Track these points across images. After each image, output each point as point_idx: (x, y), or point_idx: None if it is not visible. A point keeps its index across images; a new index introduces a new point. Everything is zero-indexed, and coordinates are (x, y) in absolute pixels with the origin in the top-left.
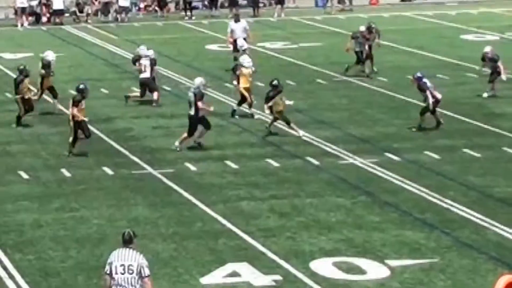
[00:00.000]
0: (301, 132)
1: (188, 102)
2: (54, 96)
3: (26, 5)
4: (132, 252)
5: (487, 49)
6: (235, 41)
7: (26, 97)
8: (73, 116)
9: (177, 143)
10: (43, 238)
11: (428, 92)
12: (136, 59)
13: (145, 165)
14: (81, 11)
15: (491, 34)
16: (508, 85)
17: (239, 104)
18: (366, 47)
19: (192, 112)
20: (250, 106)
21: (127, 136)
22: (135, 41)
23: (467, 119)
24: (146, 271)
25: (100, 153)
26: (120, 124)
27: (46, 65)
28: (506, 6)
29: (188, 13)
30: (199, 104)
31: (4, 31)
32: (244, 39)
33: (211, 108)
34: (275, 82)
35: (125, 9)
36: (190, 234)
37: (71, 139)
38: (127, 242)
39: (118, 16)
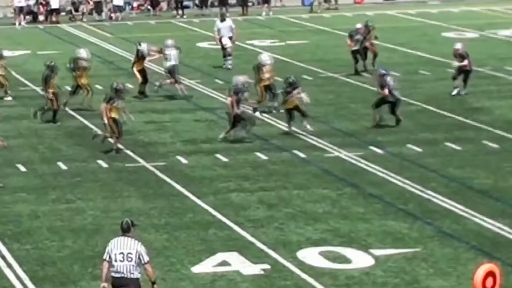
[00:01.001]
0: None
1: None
2: (88, 92)
3: (23, 4)
4: (130, 240)
5: (458, 45)
6: (220, 39)
7: (52, 93)
8: (106, 113)
9: (221, 136)
10: (40, 228)
11: (385, 90)
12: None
13: (138, 158)
14: (76, 10)
15: (471, 31)
16: (488, 81)
17: (259, 102)
18: (367, 44)
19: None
20: (259, 102)
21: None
22: (129, 39)
23: (448, 114)
24: (145, 258)
25: (95, 146)
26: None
27: (80, 61)
28: (486, 4)
29: (180, 12)
30: (228, 99)
31: (3, 29)
32: (230, 38)
33: (254, 105)
34: (292, 80)
35: (119, 8)
36: (181, 224)
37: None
38: (125, 230)
39: (112, 15)
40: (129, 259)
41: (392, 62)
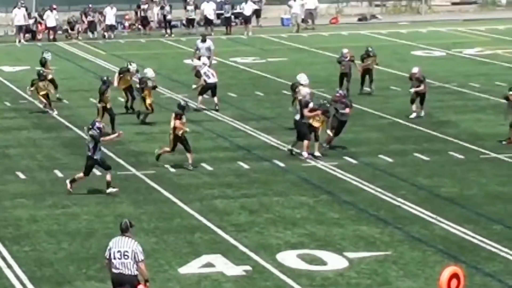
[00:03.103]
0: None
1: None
2: (147, 109)
3: (23, 23)
4: (128, 239)
5: (415, 70)
6: (199, 58)
7: (108, 106)
8: (175, 129)
9: (289, 146)
10: (38, 232)
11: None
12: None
13: (129, 167)
14: (72, 29)
15: (438, 50)
16: (454, 96)
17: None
18: (360, 68)
19: (297, 117)
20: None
21: (113, 141)
22: (121, 56)
23: (417, 127)
24: (140, 257)
25: None
26: (107, 130)
27: (145, 81)
28: (452, 25)
29: (168, 31)
30: (305, 111)
31: (4, 46)
32: (208, 57)
33: (317, 115)
34: (323, 102)
35: (112, 27)
36: (169, 228)
37: (166, 149)
38: (123, 230)
39: (105, 33)
40: (126, 257)
41: (365, 78)
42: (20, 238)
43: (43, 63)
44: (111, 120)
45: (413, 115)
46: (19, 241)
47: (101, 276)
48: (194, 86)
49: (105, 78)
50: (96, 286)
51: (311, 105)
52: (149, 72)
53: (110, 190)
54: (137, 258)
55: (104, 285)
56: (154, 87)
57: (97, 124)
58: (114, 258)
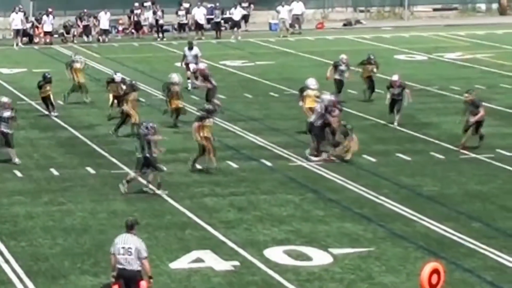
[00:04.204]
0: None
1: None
2: (178, 115)
3: (20, 27)
4: (132, 236)
5: (395, 77)
6: (187, 65)
7: (127, 109)
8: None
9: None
10: (34, 228)
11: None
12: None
13: (122, 166)
14: (68, 33)
15: (420, 54)
16: (435, 99)
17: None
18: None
19: (314, 121)
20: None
21: (107, 141)
22: (115, 59)
23: (399, 128)
24: (143, 254)
25: (84, 155)
26: (101, 130)
27: (173, 86)
28: (433, 30)
29: (160, 35)
30: (329, 117)
31: (2, 49)
32: (196, 64)
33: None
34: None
35: (106, 31)
36: (161, 225)
37: (195, 155)
38: (129, 228)
39: (100, 37)
40: (129, 253)
41: (350, 81)
42: (17, 233)
43: (70, 66)
44: (120, 122)
45: (396, 123)
46: (16, 237)
47: (95, 271)
48: (195, 83)
49: (132, 81)
50: (90, 280)
51: (337, 112)
52: (176, 78)
53: (160, 191)
54: (141, 255)
55: (98, 280)
56: (178, 92)
57: (150, 124)
58: (119, 254)
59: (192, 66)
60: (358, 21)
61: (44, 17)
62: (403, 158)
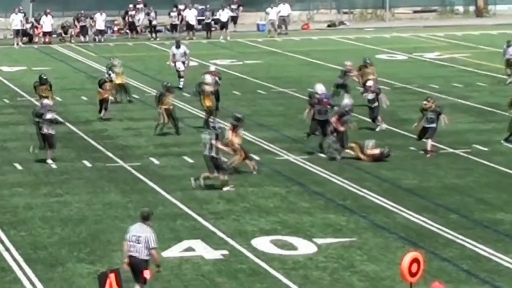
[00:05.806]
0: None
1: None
2: (210, 114)
3: (20, 27)
4: (145, 226)
5: (370, 83)
6: (175, 63)
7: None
8: (231, 143)
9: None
10: (34, 218)
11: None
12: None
13: (117, 159)
14: (65, 33)
15: (401, 54)
16: (415, 96)
17: None
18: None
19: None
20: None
21: (103, 136)
22: (110, 57)
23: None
24: (152, 244)
25: (81, 149)
26: (97, 125)
27: (204, 86)
28: (413, 31)
29: (154, 35)
30: (333, 119)
31: (3, 48)
32: (183, 62)
33: (352, 126)
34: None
35: (102, 32)
36: (153, 216)
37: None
38: (144, 218)
39: (96, 37)
40: (138, 241)
41: (334, 80)
42: (17, 223)
43: (110, 68)
44: (174, 125)
45: (378, 128)
46: (16, 226)
47: (91, 259)
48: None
49: (167, 84)
50: (86, 268)
51: (348, 116)
52: (207, 78)
53: (227, 188)
54: (149, 245)
55: (94, 267)
56: (212, 92)
57: (218, 125)
58: (130, 241)
59: (178, 65)
60: (341, 22)
61: (43, 17)
62: None
